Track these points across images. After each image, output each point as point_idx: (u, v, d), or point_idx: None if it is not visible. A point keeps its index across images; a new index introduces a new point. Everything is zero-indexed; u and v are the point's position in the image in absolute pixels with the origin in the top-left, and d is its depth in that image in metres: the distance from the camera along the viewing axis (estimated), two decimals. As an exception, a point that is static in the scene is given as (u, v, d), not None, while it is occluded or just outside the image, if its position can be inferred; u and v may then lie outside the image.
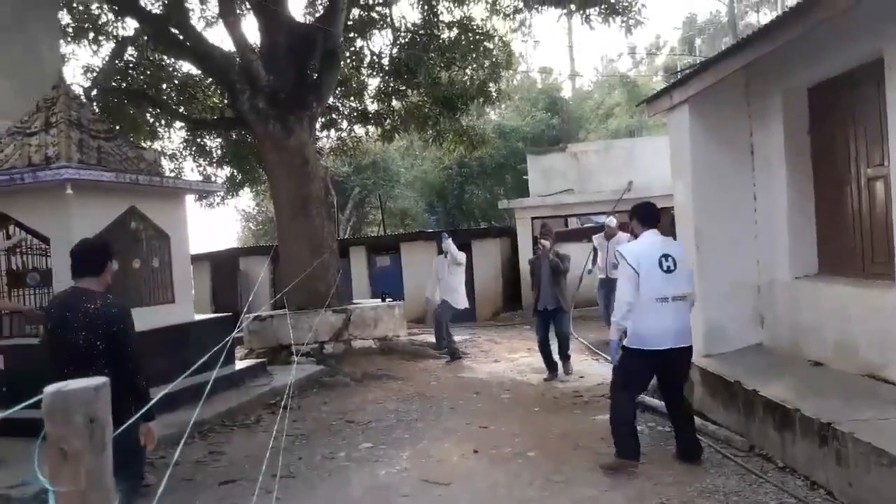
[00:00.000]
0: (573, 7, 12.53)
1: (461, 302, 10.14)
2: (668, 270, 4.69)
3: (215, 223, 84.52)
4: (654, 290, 4.64)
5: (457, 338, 10.51)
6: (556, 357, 8.31)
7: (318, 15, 12.31)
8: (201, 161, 15.62)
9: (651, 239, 4.88)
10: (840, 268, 5.58)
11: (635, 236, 5.20)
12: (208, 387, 2.87)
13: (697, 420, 5.65)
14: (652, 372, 4.96)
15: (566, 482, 4.71)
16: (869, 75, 4.94)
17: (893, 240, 4.69)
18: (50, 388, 1.25)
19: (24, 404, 1.44)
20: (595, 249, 10.97)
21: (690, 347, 4.90)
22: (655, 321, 4.65)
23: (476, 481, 4.87)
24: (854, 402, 4.42)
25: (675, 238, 7.28)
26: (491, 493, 4.63)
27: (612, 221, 10.61)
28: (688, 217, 6.56)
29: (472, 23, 13.60)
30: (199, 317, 8.57)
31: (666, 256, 4.72)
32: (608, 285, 9.52)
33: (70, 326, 3.68)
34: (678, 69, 20.12)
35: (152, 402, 2.16)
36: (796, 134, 5.93)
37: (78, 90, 12.81)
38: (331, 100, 14.92)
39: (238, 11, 11.18)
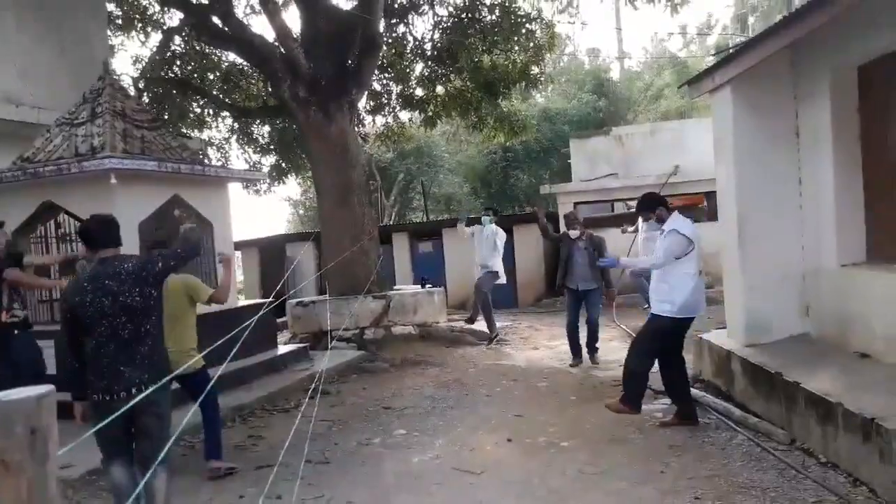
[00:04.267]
0: (617, -13, 12.26)
1: (500, 270, 10.20)
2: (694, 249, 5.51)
3: (266, 210, 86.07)
4: (697, 265, 5.49)
5: (497, 324, 10.48)
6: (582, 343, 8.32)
7: (357, 1, 12.30)
8: (247, 149, 15.86)
9: (683, 219, 5.66)
10: (890, 255, 5.34)
11: (660, 220, 5.74)
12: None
13: (737, 411, 5.54)
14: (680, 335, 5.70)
15: (600, 474, 4.65)
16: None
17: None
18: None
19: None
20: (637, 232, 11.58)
21: None
22: (699, 292, 5.50)
23: (508, 471, 4.85)
24: (901, 397, 4.25)
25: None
26: (523, 483, 4.60)
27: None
28: (731, 203, 6.37)
29: (514, 4, 13.41)
30: (241, 303, 8.75)
31: (697, 237, 5.52)
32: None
33: (117, 290, 3.65)
34: (730, 48, 19.50)
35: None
36: (845, 114, 5.67)
37: (127, 80, 13.16)
38: (377, 85, 14.96)
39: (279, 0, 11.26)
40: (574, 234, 8.18)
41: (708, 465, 4.62)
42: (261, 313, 3.97)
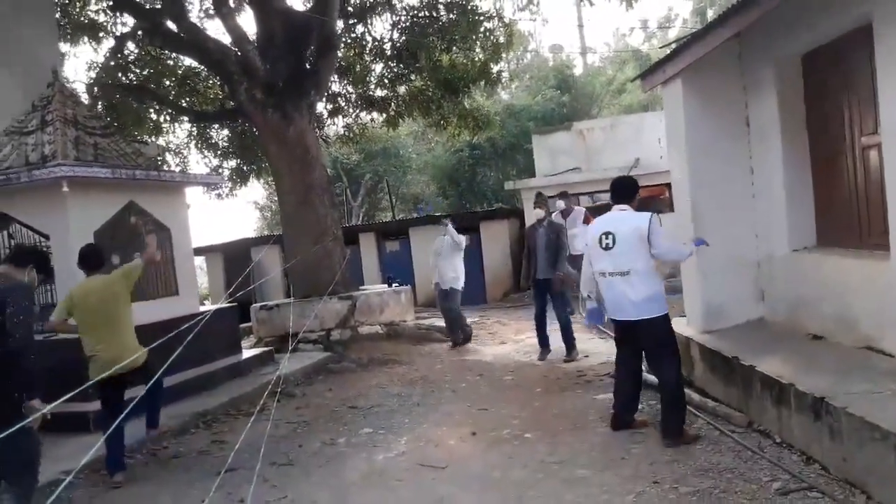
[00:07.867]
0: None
1: (461, 282, 9.79)
2: (607, 248, 4.97)
3: (234, 215, 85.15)
4: (594, 266, 5.13)
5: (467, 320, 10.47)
6: (549, 333, 8.26)
7: (312, 2, 12.23)
8: (206, 153, 15.68)
9: (604, 216, 5.21)
10: (838, 239, 5.47)
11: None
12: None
13: (696, 396, 5.61)
14: (623, 337, 5.21)
15: (561, 463, 4.69)
16: (860, 41, 4.80)
17: (888, 210, 4.57)
18: None
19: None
20: None
21: (652, 320, 4.90)
22: (605, 293, 5.08)
23: (471, 464, 4.87)
24: (850, 376, 4.35)
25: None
26: (485, 475, 4.63)
27: (560, 204, 10.56)
28: (684, 192, 6.46)
29: (472, 3, 13.44)
30: (203, 308, 8.64)
31: (606, 234, 4.98)
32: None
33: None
34: (677, 41, 19.72)
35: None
36: (791, 104, 5.79)
37: (81, 87, 12.91)
38: (336, 87, 14.90)
39: (232, 3, 11.15)
40: (538, 213, 8.15)
41: (668, 450, 4.68)
42: (203, 320, 3.93)
